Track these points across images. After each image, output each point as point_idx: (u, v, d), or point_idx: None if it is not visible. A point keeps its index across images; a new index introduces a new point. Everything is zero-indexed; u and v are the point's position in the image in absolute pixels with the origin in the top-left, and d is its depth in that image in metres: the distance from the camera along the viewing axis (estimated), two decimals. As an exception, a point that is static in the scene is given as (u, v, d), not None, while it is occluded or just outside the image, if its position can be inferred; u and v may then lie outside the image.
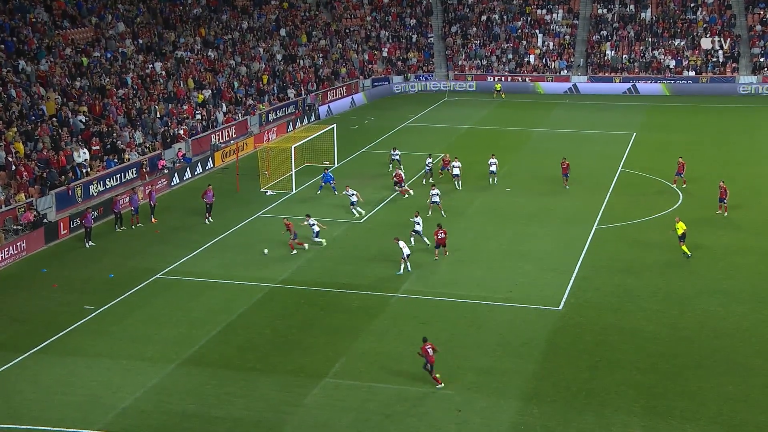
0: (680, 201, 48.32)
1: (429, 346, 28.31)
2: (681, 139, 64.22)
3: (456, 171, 51.04)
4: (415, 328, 32.61)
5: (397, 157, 54.92)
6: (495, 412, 26.66)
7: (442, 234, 39.37)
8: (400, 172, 50.90)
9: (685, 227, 39.04)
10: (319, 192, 49.79)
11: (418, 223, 41.12)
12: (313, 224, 41.55)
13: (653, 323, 32.86)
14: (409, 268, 37.99)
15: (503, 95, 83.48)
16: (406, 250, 37.80)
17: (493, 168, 51.95)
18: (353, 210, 46.20)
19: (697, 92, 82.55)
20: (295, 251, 40.30)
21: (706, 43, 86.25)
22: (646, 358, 30.04)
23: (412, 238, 41.03)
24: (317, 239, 41.53)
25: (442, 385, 28.09)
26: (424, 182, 51.96)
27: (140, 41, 66.87)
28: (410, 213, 45.87)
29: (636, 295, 35.57)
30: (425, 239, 40.88)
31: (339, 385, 28.36)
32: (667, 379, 28.58)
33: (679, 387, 28.07)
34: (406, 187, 49.98)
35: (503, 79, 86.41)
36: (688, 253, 38.95)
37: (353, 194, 46.48)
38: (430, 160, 53.32)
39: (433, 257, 39.76)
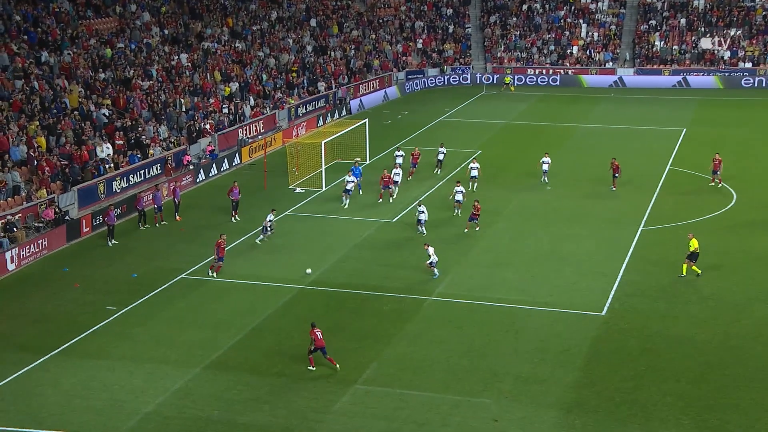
0: (734, 201, 47.13)
1: (318, 331, 29.01)
2: (735, 135, 62.94)
3: (474, 173, 49.63)
4: (450, 332, 32.15)
5: (400, 159, 53.30)
6: (533, 422, 26.00)
7: (476, 209, 42.25)
8: (389, 174, 48.35)
9: (697, 245, 36.46)
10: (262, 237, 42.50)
11: (422, 212, 42.01)
12: (270, 222, 41.14)
13: (703, 331, 32.03)
14: (437, 274, 36.91)
15: (512, 89, 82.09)
16: (434, 258, 36.74)
17: (546, 167, 50.89)
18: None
19: (753, 85, 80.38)
20: (213, 274, 37.93)
21: (706, 42, 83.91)
22: (695, 368, 29.25)
23: (419, 227, 42.13)
24: (263, 236, 41.08)
25: (314, 368, 28.95)
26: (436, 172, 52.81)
27: (166, 32, 66.73)
28: (445, 212, 45.38)
29: (685, 300, 34.70)
30: (422, 229, 42.04)
31: (370, 392, 27.90)
32: (718, 391, 27.78)
33: (731, 400, 27.22)
34: (391, 191, 47.87)
35: (544, 72, 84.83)
36: (698, 271, 36.50)
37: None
38: (443, 150, 53.25)
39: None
